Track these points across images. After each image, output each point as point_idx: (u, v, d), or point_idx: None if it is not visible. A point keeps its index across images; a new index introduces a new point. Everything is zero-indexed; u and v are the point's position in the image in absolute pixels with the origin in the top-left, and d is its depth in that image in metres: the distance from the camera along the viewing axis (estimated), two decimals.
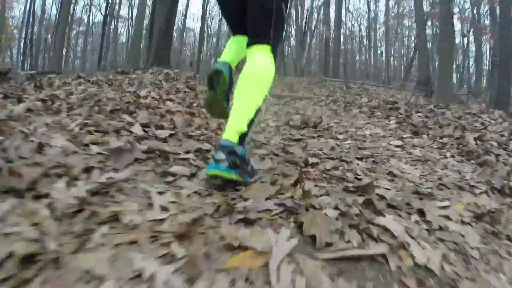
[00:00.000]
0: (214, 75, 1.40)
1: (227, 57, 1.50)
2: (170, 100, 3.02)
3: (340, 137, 2.73)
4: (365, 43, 33.02)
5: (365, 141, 2.62)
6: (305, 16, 22.18)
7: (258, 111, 1.33)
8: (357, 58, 34.92)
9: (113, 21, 26.23)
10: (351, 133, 3.00)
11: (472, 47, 22.82)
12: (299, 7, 20.93)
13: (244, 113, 1.25)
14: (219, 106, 1.44)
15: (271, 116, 3.88)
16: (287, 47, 23.01)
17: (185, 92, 3.95)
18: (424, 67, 11.71)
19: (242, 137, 1.25)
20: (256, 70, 1.30)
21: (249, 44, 1.36)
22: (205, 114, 2.61)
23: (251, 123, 1.31)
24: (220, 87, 1.41)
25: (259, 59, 1.32)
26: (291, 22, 21.50)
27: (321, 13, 21.01)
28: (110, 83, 3.90)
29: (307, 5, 22.65)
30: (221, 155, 1.14)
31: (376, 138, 2.86)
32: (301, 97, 6.95)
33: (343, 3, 21.14)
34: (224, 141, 1.18)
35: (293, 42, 24.52)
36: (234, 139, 1.20)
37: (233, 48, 1.55)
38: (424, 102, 6.36)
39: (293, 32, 23.80)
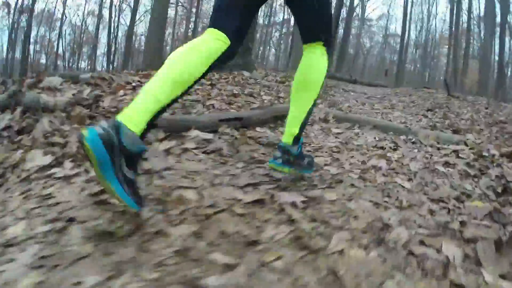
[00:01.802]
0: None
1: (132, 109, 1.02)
2: None
3: None
4: None
5: None
6: None
7: (310, 113, 1.45)
8: None
9: None
10: None
11: None
12: None
13: (296, 118, 1.42)
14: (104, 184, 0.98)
15: None
16: None
17: None
18: None
19: (296, 138, 1.43)
20: (305, 77, 1.41)
21: (303, 42, 1.43)
22: None
23: (303, 125, 1.44)
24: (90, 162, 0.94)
25: (310, 61, 1.40)
26: None
27: None
28: None
29: None
30: (278, 153, 1.42)
31: None
32: None
33: None
34: (281, 142, 1.44)
35: None
36: (289, 140, 1.42)
37: (167, 72, 1.09)
38: None
39: None
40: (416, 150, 2.40)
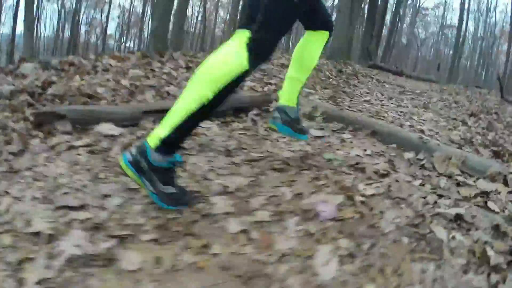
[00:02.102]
0: None
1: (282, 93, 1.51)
2: None
3: None
4: None
5: None
6: None
7: (191, 118, 1.01)
8: None
9: None
10: None
11: None
12: None
13: (170, 116, 1.04)
14: None
15: None
16: None
17: None
18: None
19: (165, 144, 1.01)
20: (202, 67, 1.04)
21: None
22: None
23: (179, 130, 1.01)
24: None
25: (220, 49, 1.05)
26: None
27: None
28: None
29: None
30: (133, 149, 1.06)
31: None
32: None
33: None
34: (148, 137, 1.05)
35: None
36: (151, 141, 1.03)
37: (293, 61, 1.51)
38: None
39: None
40: (417, 182, 1.49)
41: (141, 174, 1.03)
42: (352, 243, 0.91)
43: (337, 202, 1.14)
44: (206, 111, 1.02)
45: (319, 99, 2.86)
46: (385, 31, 19.37)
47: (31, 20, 15.08)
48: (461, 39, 20.65)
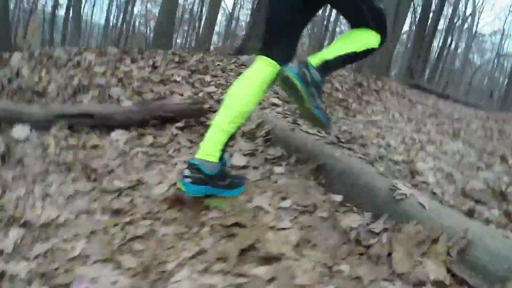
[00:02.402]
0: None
1: None
2: None
3: None
4: None
5: None
6: None
7: (348, 56, 1.21)
8: None
9: None
10: None
11: None
12: None
13: (335, 48, 1.22)
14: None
15: None
16: None
17: None
18: None
19: (325, 65, 1.18)
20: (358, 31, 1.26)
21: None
22: None
23: (339, 57, 1.20)
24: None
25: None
26: None
27: None
28: None
29: None
30: (296, 64, 1.15)
31: None
32: None
33: None
34: (309, 58, 1.18)
35: None
36: (313, 61, 1.16)
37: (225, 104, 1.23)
38: None
39: None
40: None
41: (307, 85, 1.12)
42: None
43: None
44: (351, 57, 1.22)
45: (277, 114, 2.05)
46: (436, 54, 17.99)
47: (78, 6, 15.51)
48: None
